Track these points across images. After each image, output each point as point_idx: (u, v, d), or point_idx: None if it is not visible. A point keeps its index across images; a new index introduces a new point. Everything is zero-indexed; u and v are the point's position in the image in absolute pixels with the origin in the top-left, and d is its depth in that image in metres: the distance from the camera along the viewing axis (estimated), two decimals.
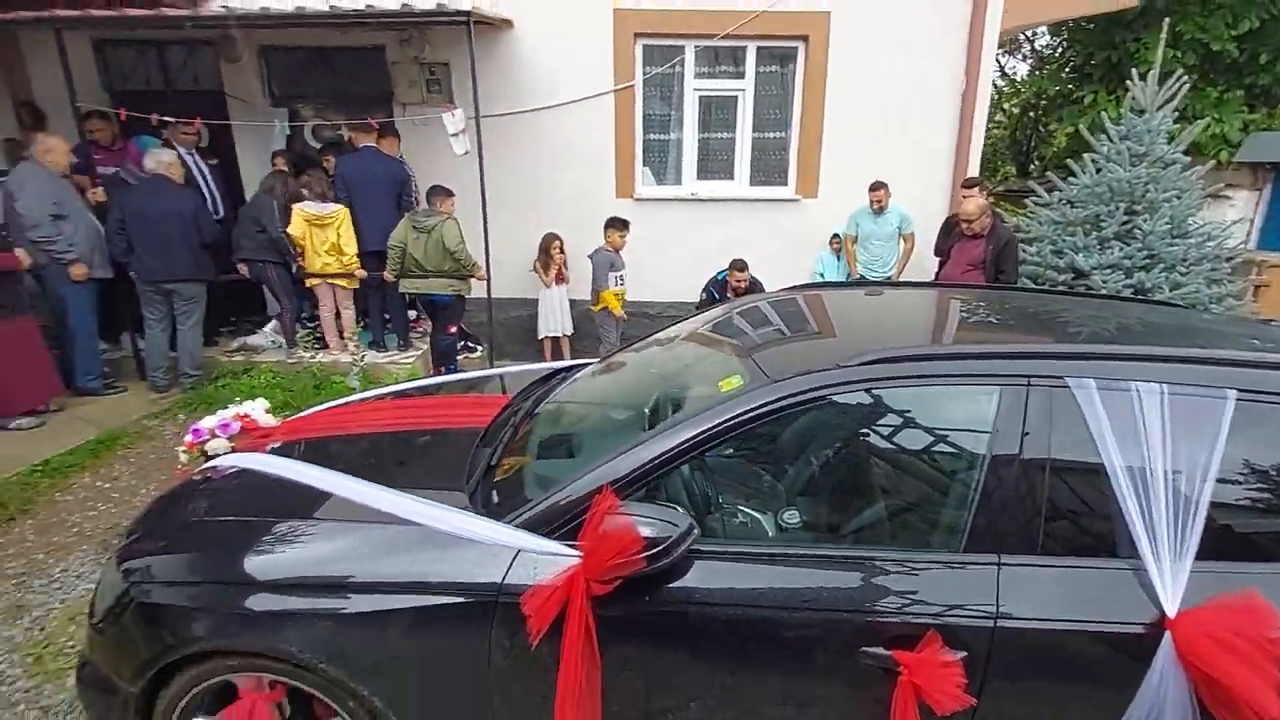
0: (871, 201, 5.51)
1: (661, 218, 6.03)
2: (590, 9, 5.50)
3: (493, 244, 5.17)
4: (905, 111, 5.72)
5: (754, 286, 5.30)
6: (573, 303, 5.81)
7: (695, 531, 1.46)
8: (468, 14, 4.54)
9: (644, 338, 2.70)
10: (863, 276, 5.59)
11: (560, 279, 5.69)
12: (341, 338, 5.25)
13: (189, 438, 2.45)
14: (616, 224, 5.38)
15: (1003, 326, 2.24)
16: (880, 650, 1.43)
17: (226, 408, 2.53)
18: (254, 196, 5.17)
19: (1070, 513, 1.56)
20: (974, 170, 5.77)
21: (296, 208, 4.91)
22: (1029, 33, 12.84)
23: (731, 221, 6.00)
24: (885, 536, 1.71)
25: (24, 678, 2.41)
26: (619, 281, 5.43)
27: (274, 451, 2.23)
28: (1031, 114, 14.05)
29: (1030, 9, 6.20)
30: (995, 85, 13.87)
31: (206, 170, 5.37)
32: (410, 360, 5.31)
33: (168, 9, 4.71)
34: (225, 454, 2.35)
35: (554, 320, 5.73)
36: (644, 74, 5.74)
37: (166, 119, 4.86)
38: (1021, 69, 15.19)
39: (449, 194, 4.99)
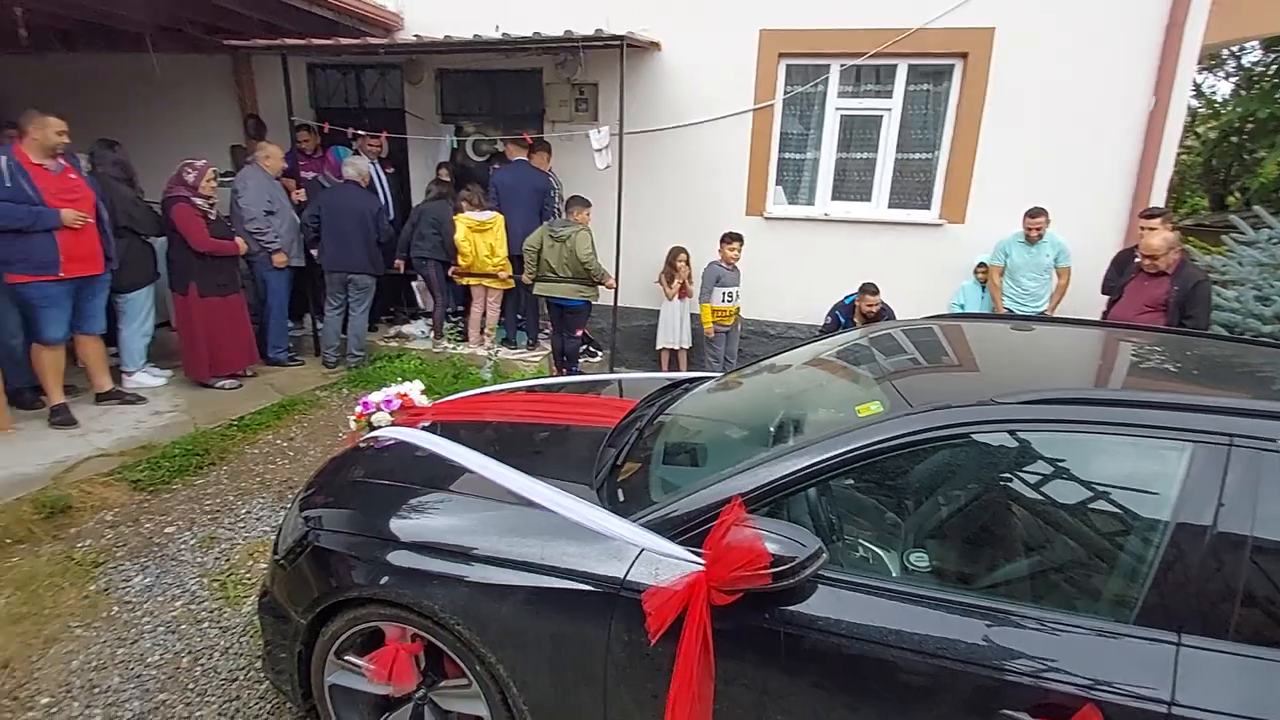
0: (1028, 229, 5.11)
1: (790, 237, 6.00)
2: (736, 30, 5.62)
3: (623, 255, 5.42)
4: (1076, 133, 5.28)
5: (884, 313, 5.12)
6: (693, 317, 5.93)
7: (824, 555, 1.44)
8: (622, 38, 4.81)
9: (768, 357, 2.73)
10: (1009, 310, 5.21)
11: (683, 292, 5.81)
12: (481, 333, 5.70)
13: (359, 409, 2.81)
14: (728, 238, 5.44)
15: (1189, 376, 2.00)
16: (1025, 716, 1.33)
17: (389, 386, 2.86)
18: (427, 202, 5.78)
19: (1277, 599, 1.35)
20: (1158, 200, 5.21)
21: (459, 216, 5.43)
22: (1235, 48, 11.33)
23: (865, 245, 5.85)
24: (1031, 593, 1.56)
25: (210, 599, 2.86)
26: (726, 298, 5.48)
27: (425, 429, 2.49)
28: (1233, 139, 12.36)
29: (1240, 22, 5.52)
30: (1190, 106, 12.39)
31: (384, 178, 6.08)
32: (538, 359, 5.67)
33: (372, 39, 5.42)
34: (386, 427, 2.67)
35: (673, 332, 5.87)
36: (785, 93, 5.76)
37: (359, 132, 5.57)
38: (1223, 88, 13.42)
39: (586, 205, 5.29)
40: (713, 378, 2.86)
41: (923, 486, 1.83)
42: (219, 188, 4.78)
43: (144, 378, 4.75)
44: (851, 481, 1.76)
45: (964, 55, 5.41)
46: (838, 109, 5.75)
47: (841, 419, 1.81)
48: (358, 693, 2.02)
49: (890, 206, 5.90)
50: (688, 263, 5.74)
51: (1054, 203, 5.14)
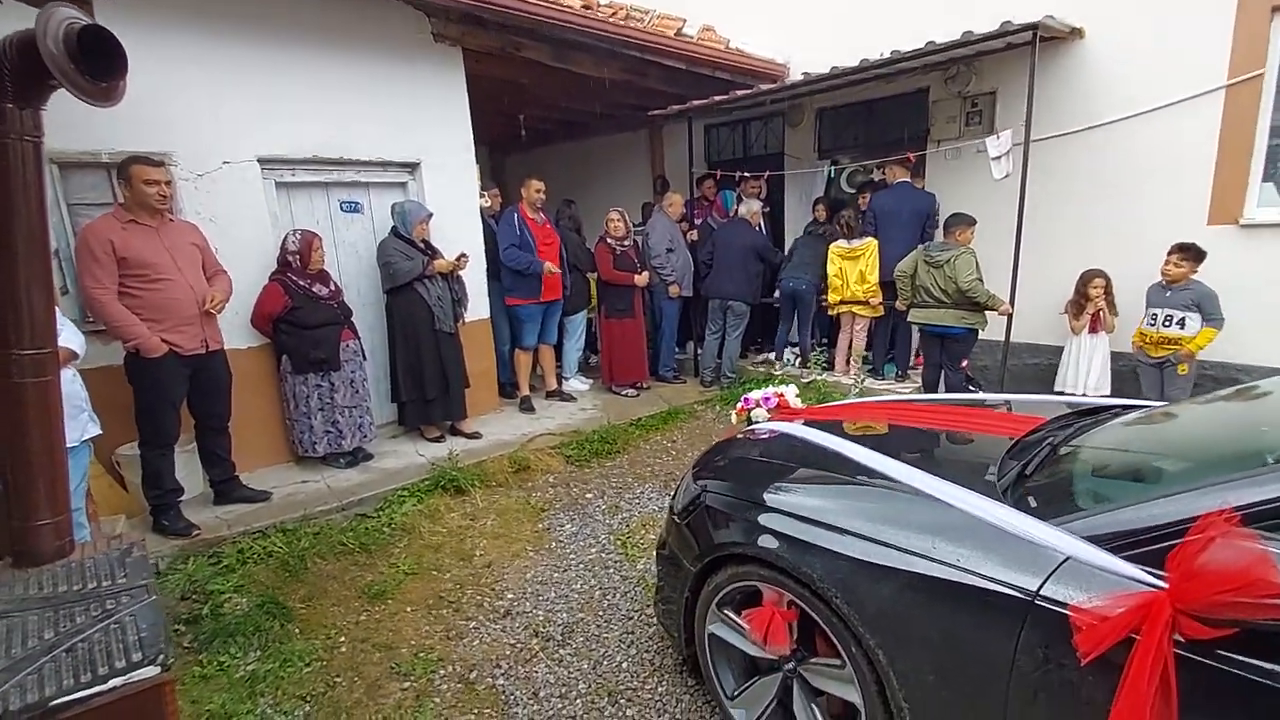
0: None
1: None
2: None
3: (1021, 280, 4.76)
4: None
5: None
6: (1116, 355, 4.86)
7: None
8: (1035, 27, 4.36)
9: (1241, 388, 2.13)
10: None
11: (1095, 326, 4.79)
12: (848, 362, 5.72)
13: (740, 404, 3.14)
14: (1173, 250, 4.34)
15: None
16: None
17: (768, 387, 3.13)
18: (803, 238, 6.16)
19: None
20: None
21: (832, 246, 5.62)
22: None
23: None
24: None
25: (615, 552, 3.48)
26: (1151, 321, 4.41)
27: (802, 425, 2.64)
28: None
29: None
30: None
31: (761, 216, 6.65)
32: (907, 391, 5.38)
33: (763, 82, 6.12)
34: (763, 422, 2.92)
35: (1079, 374, 4.85)
36: None
37: (745, 174, 6.26)
38: None
39: (970, 223, 4.87)
40: (1150, 406, 2.36)
41: None
42: (636, 235, 5.99)
43: (575, 383, 6.09)
44: None
45: None
46: None
47: None
48: (732, 648, 2.21)
49: None
50: (1106, 290, 4.74)
51: None
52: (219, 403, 3.68)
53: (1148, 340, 4.45)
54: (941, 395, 3.02)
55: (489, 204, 5.56)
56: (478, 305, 5.15)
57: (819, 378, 5.63)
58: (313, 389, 4.13)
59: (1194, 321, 4.24)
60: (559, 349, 5.91)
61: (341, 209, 4.64)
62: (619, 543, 3.57)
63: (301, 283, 4.06)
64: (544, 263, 5.13)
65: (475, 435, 4.84)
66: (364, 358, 4.39)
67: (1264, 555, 1.12)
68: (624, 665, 2.62)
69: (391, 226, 4.54)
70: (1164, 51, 4.70)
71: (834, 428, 2.52)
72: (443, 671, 2.63)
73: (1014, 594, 1.45)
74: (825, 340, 6.27)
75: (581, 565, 3.38)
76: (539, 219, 5.29)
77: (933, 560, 1.59)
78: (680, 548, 2.35)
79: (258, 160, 4.14)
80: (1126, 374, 4.83)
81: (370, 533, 3.64)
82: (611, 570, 3.32)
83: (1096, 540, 1.41)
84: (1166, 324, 4.33)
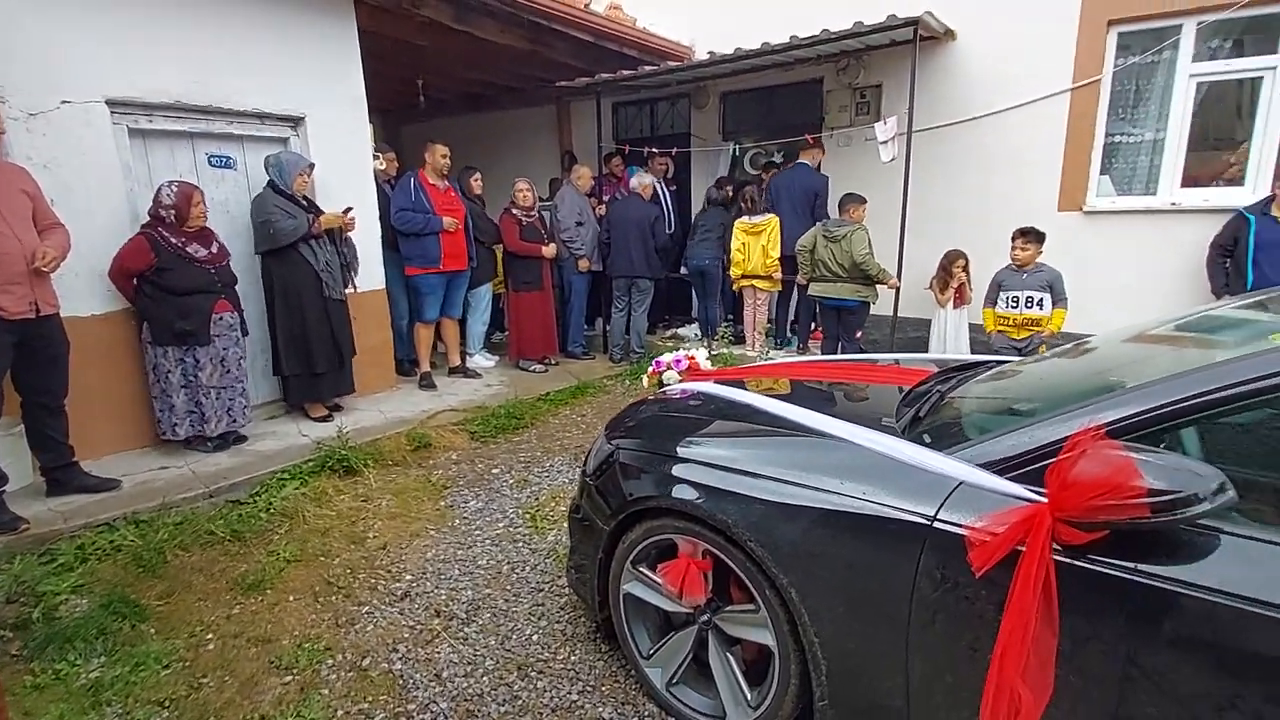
0: None
1: (1120, 234, 5.05)
2: (1050, 4, 5.01)
3: (906, 260, 5.08)
4: None
5: None
6: (973, 327, 5.23)
7: (1229, 494, 1.14)
8: (915, 22, 4.66)
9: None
10: None
11: (959, 300, 5.20)
12: (755, 335, 5.84)
13: (651, 368, 3.08)
14: (1016, 234, 4.49)
15: None
16: None
17: (679, 351, 3.08)
18: (705, 212, 6.19)
19: None
20: None
21: (737, 223, 5.69)
22: None
23: None
24: None
25: (523, 526, 3.34)
26: (1011, 304, 4.50)
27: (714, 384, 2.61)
28: None
29: None
30: None
31: (669, 194, 6.65)
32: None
33: (669, 61, 6.11)
34: (675, 384, 2.87)
35: (945, 343, 5.26)
36: (1116, 65, 4.93)
37: (652, 150, 6.22)
38: None
39: (861, 201, 5.12)
40: (1015, 360, 2.53)
41: None
42: (544, 209, 5.79)
43: (480, 359, 5.83)
44: (1265, 421, 1.37)
45: None
46: (1193, 76, 4.74)
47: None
48: (648, 607, 2.16)
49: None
50: (966, 269, 5.12)
51: None
52: (52, 377, 3.16)
53: (1010, 323, 4.52)
54: (841, 356, 3.12)
55: (383, 167, 5.18)
56: (372, 274, 4.80)
57: (726, 351, 5.71)
58: (175, 364, 3.67)
59: (1048, 302, 4.46)
60: (463, 324, 5.63)
61: (210, 163, 4.15)
62: (528, 516, 3.42)
63: (174, 240, 3.58)
64: (442, 218, 4.83)
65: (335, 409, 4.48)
66: (242, 333, 3.94)
67: (1127, 461, 1.20)
68: (534, 638, 2.49)
69: (267, 181, 4.09)
70: (1021, 56, 5.19)
71: (744, 385, 2.53)
72: (331, 661, 2.39)
73: (914, 519, 1.50)
74: (732, 316, 6.37)
75: (488, 541, 3.20)
76: (441, 185, 4.99)
77: (843, 495, 1.62)
78: (593, 509, 2.28)
79: (106, 102, 3.61)
80: (982, 350, 5.20)
81: (244, 520, 3.28)
82: (520, 544, 3.17)
83: (985, 465, 1.48)
84: (1029, 305, 4.50)
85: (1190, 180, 4.90)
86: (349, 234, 4.33)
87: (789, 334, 6.09)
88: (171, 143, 4.00)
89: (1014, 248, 4.54)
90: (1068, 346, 2.37)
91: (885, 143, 5.15)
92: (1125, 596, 1.26)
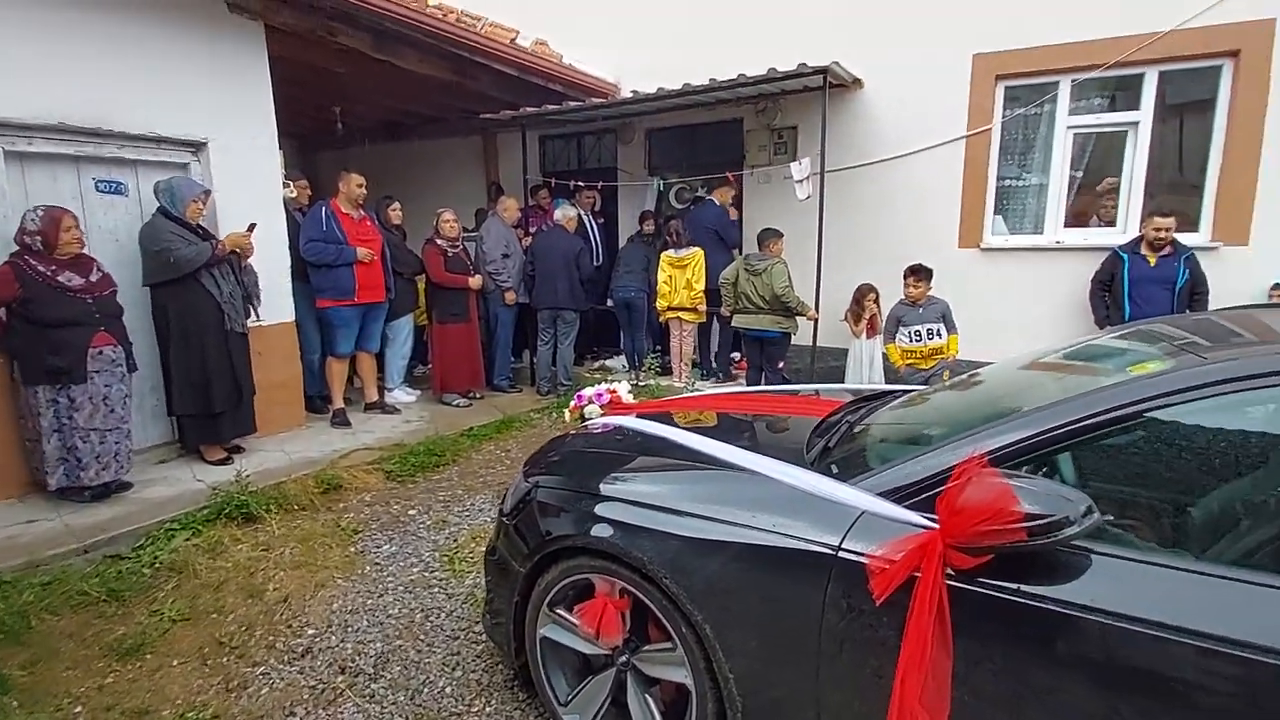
0: None
1: (1013, 269, 5.45)
2: (945, 59, 5.43)
3: (824, 291, 5.30)
4: None
5: None
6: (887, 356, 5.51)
7: (1095, 517, 1.22)
8: (825, 70, 4.93)
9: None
10: None
11: (872, 330, 5.43)
12: (682, 366, 5.89)
13: (573, 403, 3.03)
14: (908, 273, 4.80)
15: None
16: None
17: (601, 384, 3.06)
18: (630, 245, 6.24)
19: None
20: None
21: (663, 255, 5.79)
22: None
23: None
24: None
25: (440, 570, 3.18)
26: (914, 338, 4.76)
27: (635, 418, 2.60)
28: None
29: None
30: None
31: (596, 227, 6.70)
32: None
33: (595, 97, 6.21)
34: (597, 418, 2.83)
35: (862, 371, 5.46)
36: (1004, 116, 5.37)
37: (579, 184, 6.26)
38: None
39: (778, 236, 5.31)
40: (917, 389, 2.65)
41: (1221, 456, 1.48)
42: (468, 240, 5.69)
43: (400, 394, 5.60)
44: (1125, 447, 1.48)
45: (1234, 54, 4.66)
46: (1070, 127, 5.22)
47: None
48: (565, 650, 2.08)
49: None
50: (876, 301, 5.38)
51: None
52: None
53: (917, 355, 4.76)
54: (762, 387, 3.20)
55: (294, 195, 4.97)
56: (280, 306, 4.56)
57: (653, 382, 5.73)
58: (46, 405, 3.33)
59: (944, 330, 4.78)
60: (381, 357, 5.41)
61: (97, 188, 3.87)
62: (445, 559, 3.27)
63: (42, 269, 3.29)
64: (355, 249, 4.66)
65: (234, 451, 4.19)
66: (128, 369, 3.63)
67: (1007, 488, 1.27)
68: (448, 690, 2.35)
69: (157, 208, 3.82)
70: (921, 105, 5.59)
71: (664, 419, 2.53)
72: None
73: (820, 550, 1.52)
74: (660, 347, 6.41)
75: (400, 588, 3.03)
76: (356, 215, 4.82)
77: (754, 529, 1.63)
78: (510, 550, 2.20)
79: None
80: (894, 380, 5.44)
81: (124, 577, 2.98)
82: (435, 589, 3.01)
83: (885, 494, 1.52)
84: (929, 336, 4.80)
85: (1072, 220, 5.37)
86: (249, 261, 4.10)
87: (714, 364, 6.19)
88: (54, 167, 3.71)
89: (907, 285, 4.83)
90: (964, 376, 2.50)
91: (800, 181, 5.39)
92: (1011, 617, 1.31)
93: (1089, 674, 1.25)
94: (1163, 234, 4.56)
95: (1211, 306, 4.50)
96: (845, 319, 5.58)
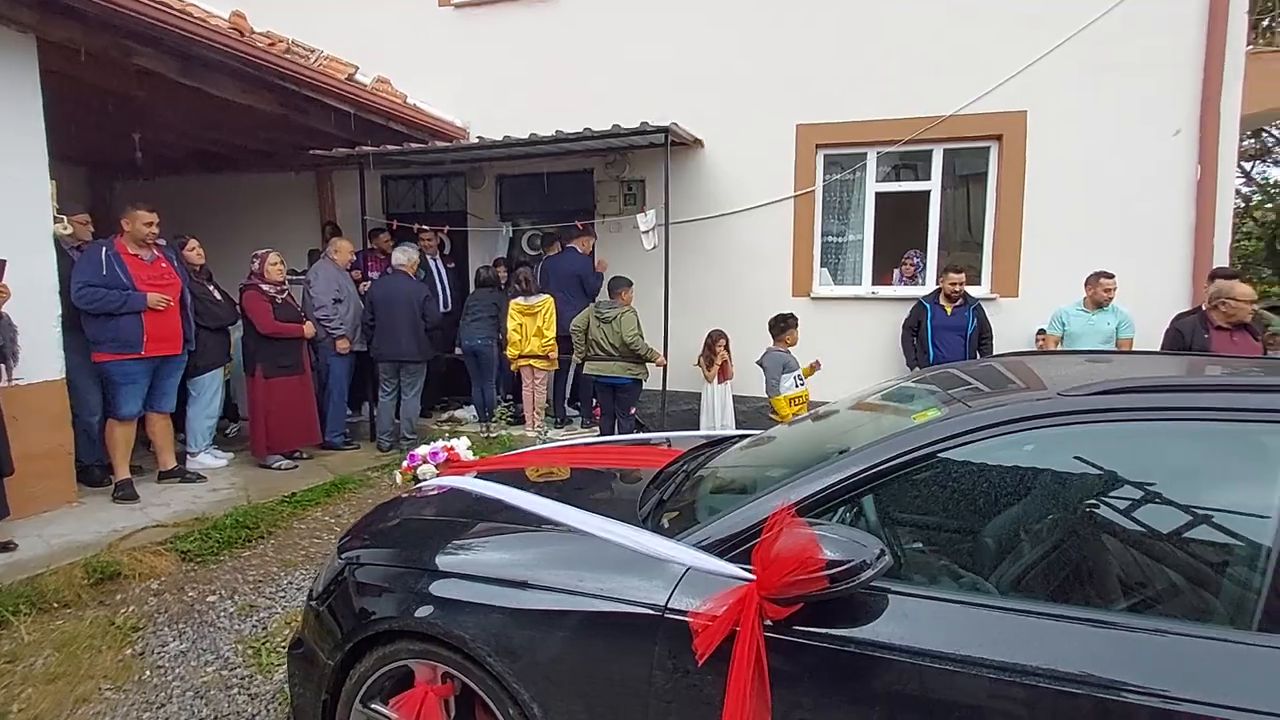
0: (1104, 291, 4.87)
1: (839, 317, 5.98)
2: (774, 126, 5.94)
3: (671, 338, 5.46)
4: (1120, 207, 5.25)
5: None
6: (738, 399, 5.79)
7: (887, 559, 1.28)
8: (666, 130, 5.18)
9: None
10: None
11: (724, 375, 5.64)
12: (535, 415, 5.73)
13: (405, 463, 2.78)
14: (785, 322, 5.07)
15: None
16: None
17: (437, 442, 2.84)
18: (478, 292, 6.05)
19: None
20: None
21: (512, 303, 5.66)
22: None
23: None
24: (1126, 601, 1.38)
25: (243, 666, 2.74)
26: (798, 383, 4.96)
27: (472, 478, 2.43)
28: None
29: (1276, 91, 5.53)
30: (1240, 192, 12.20)
31: (444, 271, 6.44)
32: (588, 438, 5.59)
33: (440, 140, 6.03)
34: (431, 479, 2.62)
35: (714, 416, 5.62)
36: (824, 180, 5.97)
37: (424, 228, 6.00)
38: (1275, 173, 13.26)
39: (628, 284, 5.41)
40: (756, 433, 2.75)
41: (1001, 492, 1.61)
42: (293, 284, 5.16)
43: (206, 459, 4.89)
44: (914, 489, 1.59)
45: (998, 137, 5.55)
46: (877, 192, 5.90)
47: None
48: None
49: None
50: (727, 347, 5.58)
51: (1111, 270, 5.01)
52: None
53: (800, 401, 4.85)
54: (613, 437, 3.16)
55: (70, 231, 4.25)
56: (45, 362, 3.83)
57: (504, 432, 5.52)
58: None
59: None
60: (180, 418, 4.71)
61: None
62: (251, 652, 2.82)
63: None
64: (146, 294, 4.06)
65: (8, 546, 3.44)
66: None
67: (812, 538, 1.31)
68: None
69: None
70: (754, 166, 6.06)
71: (503, 477, 2.40)
72: None
73: (647, 611, 1.48)
74: (511, 395, 6.22)
75: (190, 693, 2.55)
76: (147, 257, 4.20)
77: (579, 594, 1.56)
78: (319, 639, 1.95)
79: None
80: (752, 415, 5.73)
81: None
82: (236, 690, 2.57)
83: (709, 548, 1.52)
84: (800, 383, 4.99)
85: (885, 272, 6.03)
86: (3, 310, 3.41)
87: (567, 412, 6.10)
88: None
89: (788, 332, 5.03)
90: (805, 415, 2.61)
91: (646, 232, 5.57)
92: (820, 663, 1.35)
93: (891, 711, 1.30)
94: (956, 287, 5.24)
95: (996, 350, 5.20)
96: (698, 364, 5.73)
